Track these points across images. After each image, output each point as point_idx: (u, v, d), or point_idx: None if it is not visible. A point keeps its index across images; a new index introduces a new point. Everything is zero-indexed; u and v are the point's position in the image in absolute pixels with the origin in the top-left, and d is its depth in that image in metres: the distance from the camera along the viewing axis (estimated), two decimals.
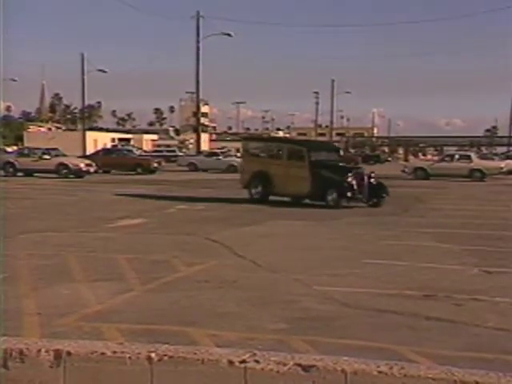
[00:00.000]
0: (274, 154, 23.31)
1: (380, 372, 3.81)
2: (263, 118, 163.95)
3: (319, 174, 21.05)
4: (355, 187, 20.67)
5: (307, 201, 21.56)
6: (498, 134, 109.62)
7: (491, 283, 9.16)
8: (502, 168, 41.28)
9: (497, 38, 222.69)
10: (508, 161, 47.63)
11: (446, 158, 42.12)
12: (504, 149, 75.14)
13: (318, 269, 10.03)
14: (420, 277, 9.55)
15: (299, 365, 3.69)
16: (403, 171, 41.87)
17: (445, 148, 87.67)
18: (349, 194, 20.55)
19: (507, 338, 6.42)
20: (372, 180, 21.60)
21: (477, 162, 40.78)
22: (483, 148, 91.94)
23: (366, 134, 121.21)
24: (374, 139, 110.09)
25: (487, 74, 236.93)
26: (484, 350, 5.95)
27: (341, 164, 23.14)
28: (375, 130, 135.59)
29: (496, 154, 58.18)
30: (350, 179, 20.70)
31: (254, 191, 22.45)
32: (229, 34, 57.64)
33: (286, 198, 22.05)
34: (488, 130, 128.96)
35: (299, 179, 21.25)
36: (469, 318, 7.16)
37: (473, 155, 44.04)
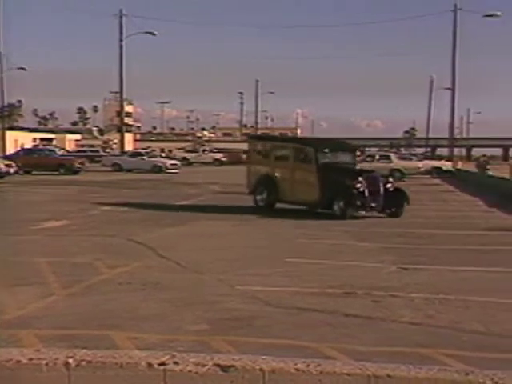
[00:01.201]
0: (281, 156, 20.23)
1: (297, 370, 3.91)
2: (188, 117, 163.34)
3: (327, 178, 18.32)
4: (366, 194, 17.87)
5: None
6: (416, 136, 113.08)
7: (407, 280, 9.49)
8: (419, 168, 42.69)
9: (417, 41, 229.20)
10: (426, 161, 49.31)
11: (368, 159, 43.22)
12: (422, 149, 77.68)
13: (242, 268, 10.14)
14: (341, 275, 9.78)
15: (218, 365, 3.75)
16: None
17: (366, 149, 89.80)
18: (358, 203, 17.79)
19: (420, 332, 6.67)
20: (388, 186, 18.63)
21: (396, 163, 42.12)
22: (402, 149, 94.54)
23: (290, 135, 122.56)
24: None
25: (406, 76, 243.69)
26: (399, 344, 6.18)
27: (351, 167, 19.91)
28: (299, 131, 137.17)
29: (414, 155, 60.08)
30: (359, 185, 17.84)
31: (259, 198, 19.96)
32: (152, 33, 57.20)
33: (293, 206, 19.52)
34: (407, 132, 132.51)
35: (307, 185, 18.77)
36: (385, 313, 7.40)
37: (392, 156, 45.42)
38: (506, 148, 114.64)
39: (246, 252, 11.92)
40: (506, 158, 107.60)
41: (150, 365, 3.53)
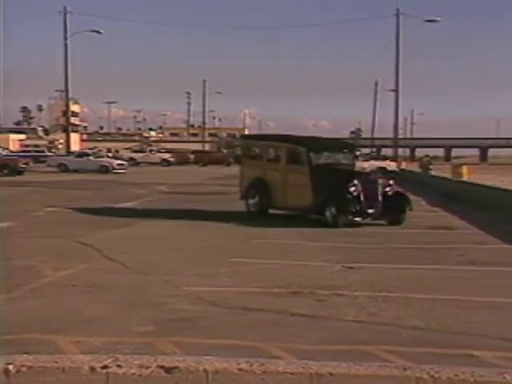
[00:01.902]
0: (273, 157, 18.68)
1: (240, 370, 3.99)
2: (135, 117, 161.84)
3: (320, 181, 16.71)
4: (362, 199, 16.26)
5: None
6: (362, 136, 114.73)
7: (352, 278, 9.65)
8: (365, 168, 43.47)
9: (365, 43, 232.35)
10: (371, 161, 50.24)
11: None
12: (367, 149, 78.93)
13: (188, 269, 10.14)
14: (287, 274, 9.88)
15: (162, 367, 3.78)
16: None
17: None
18: (352, 209, 16.09)
19: (363, 330, 6.81)
20: (388, 189, 16.96)
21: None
22: None
23: (238, 135, 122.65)
24: None
25: (352, 77, 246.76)
26: (342, 342, 6.29)
27: (347, 168, 18.11)
28: (246, 131, 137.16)
29: (360, 155, 61.07)
30: (353, 188, 16.17)
31: (252, 202, 18.36)
32: (98, 32, 56.53)
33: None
34: (353, 132, 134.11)
35: (299, 188, 17.14)
36: (330, 312, 7.52)
37: None
38: (447, 148, 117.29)
39: (192, 253, 11.92)
40: (448, 158, 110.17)
41: (92, 369, 3.54)
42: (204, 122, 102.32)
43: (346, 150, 19.01)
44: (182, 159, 69.72)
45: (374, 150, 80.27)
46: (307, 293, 8.53)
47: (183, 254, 11.71)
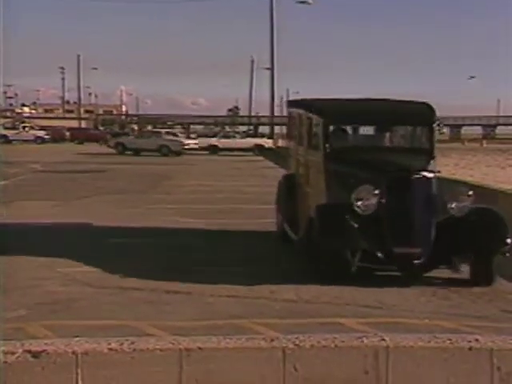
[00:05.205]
0: (301, 137, 10.79)
1: (111, 349, 4.02)
2: (5, 93, 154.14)
3: (337, 182, 9.01)
4: (386, 226, 8.09)
5: None
6: (240, 114, 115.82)
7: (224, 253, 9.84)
8: (187, 144, 45.66)
9: (243, 21, 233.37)
10: (248, 139, 51.81)
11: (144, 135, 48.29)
12: (245, 127, 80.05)
13: (61, 251, 9.94)
14: (163, 252, 9.93)
15: (29, 351, 3.75)
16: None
17: (192, 126, 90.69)
18: (358, 245, 7.98)
19: (238, 304, 6.99)
20: (453, 205, 8.17)
21: (164, 138, 45.69)
22: (227, 126, 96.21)
23: (115, 112, 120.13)
24: (123, 117, 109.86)
25: (230, 55, 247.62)
26: (216, 317, 6.44)
27: (375, 157, 9.25)
28: (124, 108, 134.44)
29: (238, 133, 61.61)
30: (360, 202, 8.11)
31: (281, 213, 11.11)
32: None
33: None
34: (230, 110, 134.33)
35: (314, 194, 9.56)
36: (205, 288, 7.65)
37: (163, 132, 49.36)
38: None
39: (66, 234, 11.68)
40: None
41: None
42: (79, 99, 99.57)
43: (414, 122, 10.09)
44: (57, 136, 67.54)
45: (252, 127, 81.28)
46: (183, 269, 8.63)
47: (57, 235, 11.44)
